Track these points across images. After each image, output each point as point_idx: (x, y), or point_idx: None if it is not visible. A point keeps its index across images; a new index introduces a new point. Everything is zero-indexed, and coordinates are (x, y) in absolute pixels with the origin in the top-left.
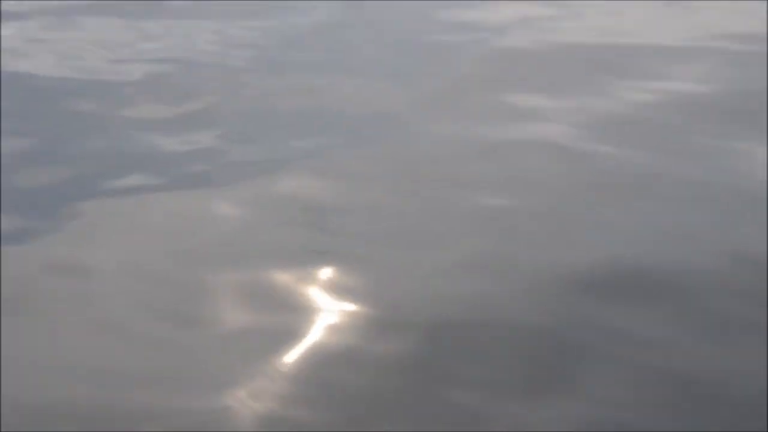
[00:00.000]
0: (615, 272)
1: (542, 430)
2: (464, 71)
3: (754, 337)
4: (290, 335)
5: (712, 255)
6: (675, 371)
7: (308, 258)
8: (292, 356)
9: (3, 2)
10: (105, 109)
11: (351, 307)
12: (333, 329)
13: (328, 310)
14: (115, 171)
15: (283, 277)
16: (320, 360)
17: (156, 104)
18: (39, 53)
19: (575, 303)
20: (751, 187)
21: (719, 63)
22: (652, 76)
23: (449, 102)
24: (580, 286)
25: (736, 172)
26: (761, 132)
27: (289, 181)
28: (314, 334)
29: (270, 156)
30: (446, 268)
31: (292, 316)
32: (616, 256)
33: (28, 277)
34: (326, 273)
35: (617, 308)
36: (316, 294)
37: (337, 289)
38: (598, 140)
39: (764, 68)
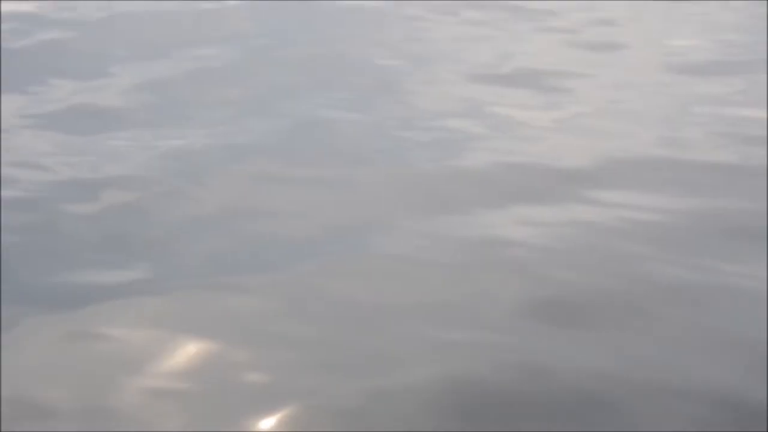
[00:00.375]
0: (587, 412)
1: None
2: (415, 190)
3: None
4: None
5: (693, 398)
6: None
7: (271, 398)
8: None
9: None
10: (33, 238)
11: None
12: None
13: None
14: (62, 304)
15: (252, 422)
16: None
17: (89, 230)
18: None
19: None
20: (728, 323)
21: (684, 182)
22: (609, 198)
23: (400, 223)
24: (548, 424)
25: (711, 307)
26: (733, 262)
27: (239, 307)
28: None
29: (214, 280)
30: (412, 408)
31: None
32: (587, 392)
33: None
34: (291, 417)
35: None
36: None
37: None
38: (558, 265)
39: (726, 189)
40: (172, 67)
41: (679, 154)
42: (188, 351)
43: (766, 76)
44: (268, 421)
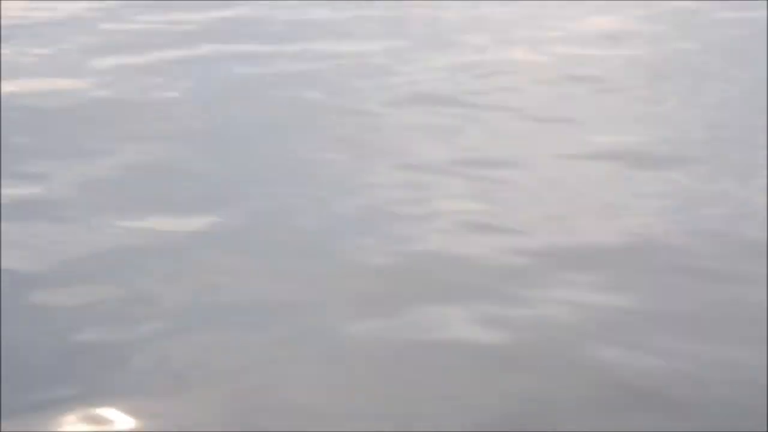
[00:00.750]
0: None
1: None
2: (360, 286)
3: None
4: None
5: None
6: None
7: None
8: None
9: None
10: None
11: None
12: None
13: None
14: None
15: None
16: None
17: (31, 335)
18: None
19: None
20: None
21: (645, 277)
22: (565, 295)
23: (348, 327)
24: None
25: (692, 413)
26: (711, 366)
27: (191, 420)
28: None
29: (164, 388)
30: None
31: None
32: None
33: None
34: None
35: None
36: None
37: None
38: (522, 369)
39: (689, 285)
40: (116, 162)
41: (633, 246)
42: None
43: (705, 170)
44: None
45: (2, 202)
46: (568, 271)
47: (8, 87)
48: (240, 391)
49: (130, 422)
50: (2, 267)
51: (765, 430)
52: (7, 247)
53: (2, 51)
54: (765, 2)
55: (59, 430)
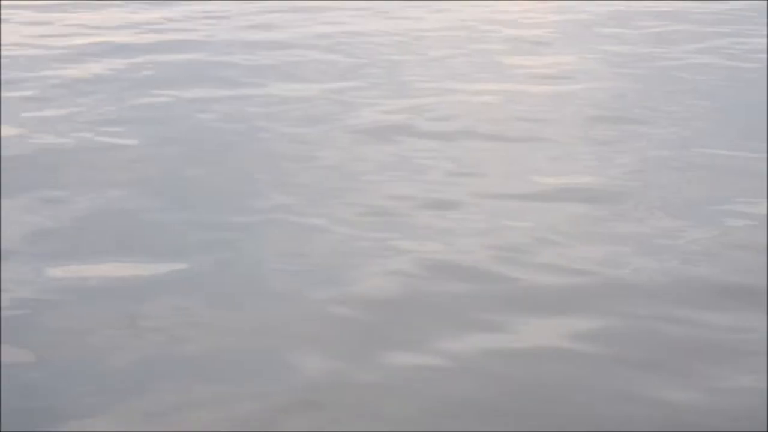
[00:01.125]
0: None
1: None
2: (313, 328)
3: None
4: None
5: None
6: None
7: None
8: None
9: None
10: None
11: None
12: None
13: None
14: None
15: None
16: None
17: None
18: None
19: None
20: None
21: (617, 307)
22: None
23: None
24: None
25: None
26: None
27: None
28: None
29: None
30: None
31: None
32: None
33: None
34: None
35: None
36: None
37: None
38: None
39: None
40: (73, 210)
41: (602, 289)
42: None
43: (660, 208)
44: None
45: None
46: (542, 317)
47: None
48: None
49: None
50: None
51: None
52: None
53: None
54: (720, 48)
55: None
